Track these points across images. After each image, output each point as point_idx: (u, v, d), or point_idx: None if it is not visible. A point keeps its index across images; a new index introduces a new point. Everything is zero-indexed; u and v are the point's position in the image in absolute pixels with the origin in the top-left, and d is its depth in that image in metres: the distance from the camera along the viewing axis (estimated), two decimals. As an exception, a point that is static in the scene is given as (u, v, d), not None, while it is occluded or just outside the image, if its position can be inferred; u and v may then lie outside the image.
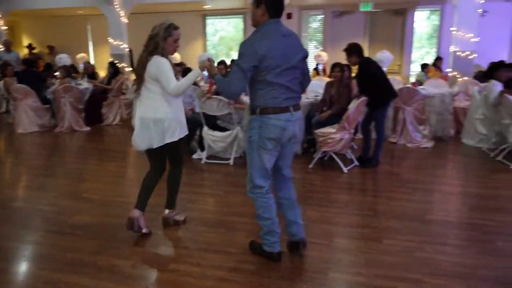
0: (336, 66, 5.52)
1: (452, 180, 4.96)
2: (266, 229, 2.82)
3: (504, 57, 9.09)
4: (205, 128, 5.53)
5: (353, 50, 5.04)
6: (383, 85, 5.09)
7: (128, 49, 10.32)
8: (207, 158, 5.56)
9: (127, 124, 8.24)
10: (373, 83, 5.01)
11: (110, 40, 10.41)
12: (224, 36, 13.38)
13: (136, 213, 3.24)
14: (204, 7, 10.69)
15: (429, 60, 10.34)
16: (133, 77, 10.29)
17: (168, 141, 3.12)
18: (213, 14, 12.56)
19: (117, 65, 8.97)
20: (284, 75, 2.57)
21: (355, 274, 2.74)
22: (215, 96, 5.31)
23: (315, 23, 12.02)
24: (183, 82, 3.04)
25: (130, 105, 8.74)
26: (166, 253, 3.14)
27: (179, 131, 3.18)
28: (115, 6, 10.09)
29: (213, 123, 5.63)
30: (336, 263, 2.89)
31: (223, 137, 5.48)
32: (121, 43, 10.36)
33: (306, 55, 2.73)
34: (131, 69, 10.71)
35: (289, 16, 10.91)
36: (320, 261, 2.91)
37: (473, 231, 3.42)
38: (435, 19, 11.23)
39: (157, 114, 3.08)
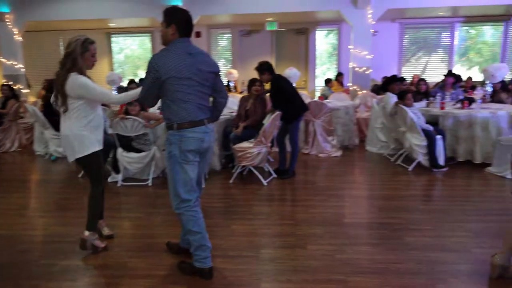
0: (256, 80, 5.69)
1: (361, 185, 5.39)
2: (196, 244, 2.82)
3: (394, 71, 10.16)
4: (120, 150, 5.31)
5: (265, 67, 5.29)
6: (295, 99, 5.38)
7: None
8: (123, 180, 5.34)
9: (28, 150, 7.57)
10: (286, 98, 5.27)
11: (3, 60, 9.53)
12: (129, 55, 13.05)
13: (85, 234, 3.29)
14: (109, 25, 10.34)
15: (331, 75, 11.15)
16: (31, 99, 9.51)
17: (78, 156, 3.18)
18: (118, 32, 12.20)
19: (12, 87, 8.23)
20: (194, 91, 2.69)
21: (286, 282, 2.83)
22: (129, 117, 5.15)
23: (223, 41, 12.31)
24: (126, 93, 3.27)
25: (30, 130, 8.05)
26: (91, 284, 2.94)
27: (88, 146, 3.19)
28: (7, 23, 9.29)
29: (128, 144, 5.43)
30: (266, 274, 2.97)
31: (140, 158, 5.31)
32: (16, 63, 9.54)
33: (217, 72, 2.86)
34: (27, 90, 9.91)
35: (198, 34, 11.03)
36: (251, 274, 2.96)
37: (383, 229, 3.75)
38: (333, 38, 12.17)
39: (67, 130, 3.16)
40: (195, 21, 8.92)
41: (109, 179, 5.41)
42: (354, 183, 5.49)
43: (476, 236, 3.55)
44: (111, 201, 4.67)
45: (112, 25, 11.30)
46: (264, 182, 5.16)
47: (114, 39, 12.39)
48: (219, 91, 2.91)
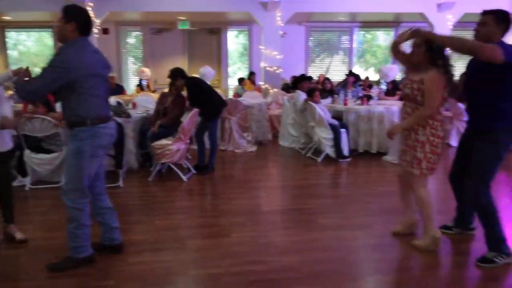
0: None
1: (276, 177, 5.74)
2: (85, 236, 2.92)
3: (302, 71, 10.81)
4: (27, 151, 4.99)
5: (177, 73, 5.46)
6: (213, 97, 5.55)
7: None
8: (32, 184, 5.02)
9: None
10: (204, 97, 5.43)
11: None
12: (24, 51, 12.03)
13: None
14: (4, 18, 9.50)
15: (243, 74, 11.49)
16: None
17: None
18: (15, 27, 11.22)
19: None
20: (101, 87, 2.82)
21: (214, 267, 2.98)
22: (37, 116, 4.86)
23: (133, 39, 11.99)
24: None
25: None
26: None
27: None
28: None
29: (36, 145, 5.12)
30: (195, 262, 3.09)
31: (50, 159, 5.03)
32: None
33: (110, 72, 3.06)
34: None
35: (105, 31, 10.60)
36: (179, 263, 3.06)
37: (299, 214, 4.08)
38: (244, 39, 12.54)
39: None
40: (103, 17, 8.65)
41: (15, 183, 5.04)
42: (269, 175, 5.82)
43: (378, 215, 4.04)
44: (21, 205, 4.38)
45: (7, 18, 10.37)
46: (184, 178, 5.24)
47: (9, 33, 11.36)
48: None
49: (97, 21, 8.53)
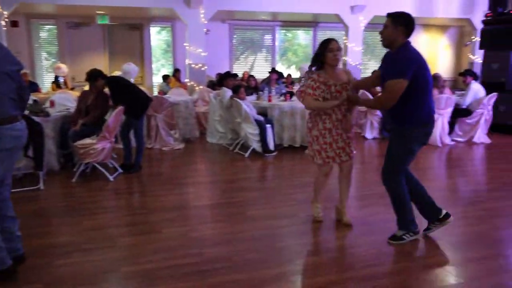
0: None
1: (204, 172, 5.84)
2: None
3: (226, 68, 10.95)
4: None
5: (96, 74, 5.35)
6: (137, 94, 5.48)
7: None
8: None
9: None
10: (128, 95, 5.35)
11: None
12: None
13: None
14: None
15: (167, 71, 11.35)
16: None
17: None
18: None
19: None
20: (8, 86, 2.59)
21: (146, 262, 3.01)
22: None
23: (45, 33, 11.26)
24: None
25: None
26: None
27: None
28: None
29: None
30: (126, 259, 3.09)
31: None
32: None
33: (21, 69, 2.76)
34: None
35: (14, 24, 9.85)
36: (111, 261, 3.05)
37: (228, 208, 4.23)
38: (167, 35, 12.37)
39: None
40: (11, 9, 8.04)
41: None
42: (198, 171, 5.90)
43: (302, 203, 4.32)
44: None
45: None
46: (111, 178, 5.12)
47: None
48: (23, 87, 2.80)
49: (5, 13, 7.92)
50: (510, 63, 8.15)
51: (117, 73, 7.16)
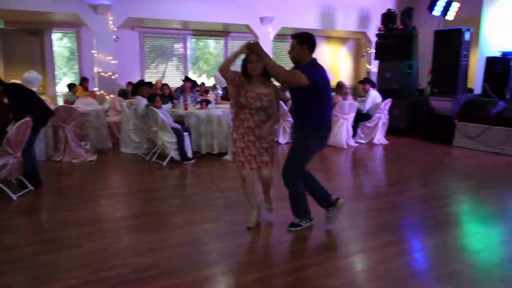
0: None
1: (121, 183, 5.67)
2: None
3: (138, 76, 10.69)
4: None
5: None
6: (42, 104, 5.15)
7: None
8: None
9: None
10: (30, 105, 4.99)
11: None
12: None
13: None
14: None
15: (71, 80, 10.71)
16: None
17: None
18: None
19: None
20: None
21: (69, 279, 2.88)
22: None
23: None
24: None
25: None
26: None
27: None
28: None
29: None
30: (44, 278, 2.92)
31: None
32: None
33: None
34: None
35: None
36: (28, 282, 2.87)
37: (151, 217, 4.18)
38: (70, 41, 11.69)
39: None
40: None
41: None
42: (114, 182, 5.71)
43: (223, 208, 4.44)
44: None
45: None
46: (13, 196, 4.69)
47: None
48: None
49: None
50: (400, 72, 9.17)
51: (15, 82, 6.62)
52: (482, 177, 6.02)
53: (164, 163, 6.33)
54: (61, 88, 10.80)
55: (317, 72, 3.52)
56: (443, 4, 9.01)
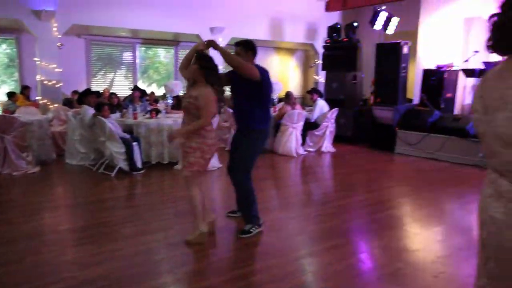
0: None
1: (67, 195, 5.47)
2: None
3: (84, 85, 10.36)
4: None
5: None
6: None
7: None
8: None
9: None
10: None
11: None
12: None
13: None
14: None
15: (8, 88, 10.16)
16: None
17: None
18: None
19: None
20: None
21: (11, 295, 2.76)
22: None
23: None
24: None
25: None
26: None
27: None
28: None
29: None
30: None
31: None
32: None
33: None
34: None
35: None
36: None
37: (98, 228, 4.07)
38: (9, 48, 11.12)
39: None
40: None
41: None
42: (59, 194, 5.50)
43: (173, 218, 4.42)
44: None
45: None
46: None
47: None
48: None
49: None
50: (346, 83, 9.59)
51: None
52: (421, 181, 6.43)
53: (113, 174, 6.18)
54: (2, 97, 10.20)
55: (264, 71, 3.79)
56: (384, 19, 9.56)
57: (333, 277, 3.16)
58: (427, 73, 9.03)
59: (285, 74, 13.84)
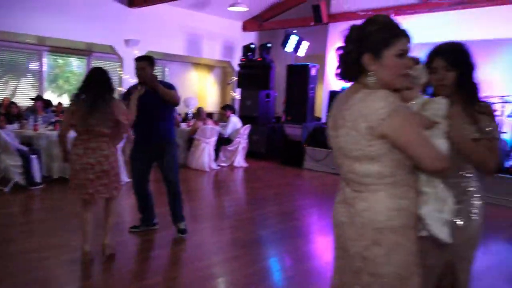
0: None
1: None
2: None
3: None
4: None
5: None
6: None
7: None
8: None
9: None
10: None
11: None
12: None
13: None
14: None
15: None
16: None
17: None
18: None
19: None
20: None
21: None
22: None
23: None
24: None
25: None
26: None
27: None
28: None
29: None
30: None
31: None
32: None
33: None
34: None
35: None
36: None
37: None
38: None
39: None
40: None
41: None
42: None
43: (70, 232, 4.21)
44: None
45: None
46: None
47: None
48: None
49: None
50: (260, 100, 9.93)
51: None
52: (324, 194, 6.85)
53: (6, 189, 5.71)
54: None
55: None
56: (295, 42, 10.13)
57: (238, 283, 3.24)
58: (333, 94, 9.70)
59: (203, 90, 13.94)
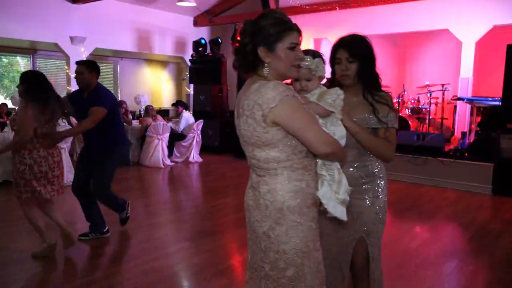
0: None
1: None
2: None
3: None
4: None
5: None
6: None
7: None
8: None
9: None
10: None
11: None
12: None
13: None
14: None
15: None
16: None
17: None
18: None
19: None
20: None
21: None
22: None
23: None
24: None
25: None
26: None
27: None
28: None
29: None
30: None
31: None
32: None
33: None
34: None
35: None
36: None
37: None
38: None
39: None
40: None
41: None
42: None
43: (14, 235, 4.16)
44: None
45: None
46: None
47: None
48: None
49: None
50: (212, 95, 9.97)
51: None
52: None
53: None
54: None
55: (110, 95, 3.95)
56: (245, 36, 10.21)
57: (174, 275, 3.33)
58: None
59: (158, 86, 13.79)
